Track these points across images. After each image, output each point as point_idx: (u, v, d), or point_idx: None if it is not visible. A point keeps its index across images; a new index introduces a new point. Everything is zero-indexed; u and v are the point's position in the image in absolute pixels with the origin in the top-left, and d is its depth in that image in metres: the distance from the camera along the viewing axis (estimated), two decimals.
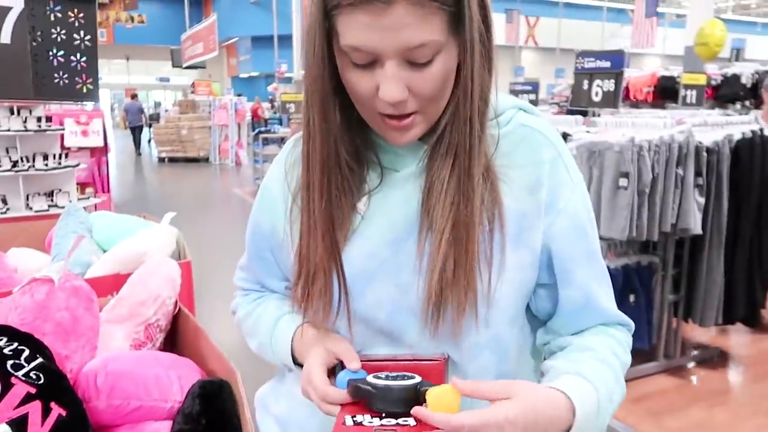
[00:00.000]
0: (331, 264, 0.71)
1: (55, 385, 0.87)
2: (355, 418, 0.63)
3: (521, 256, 0.71)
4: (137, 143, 15.50)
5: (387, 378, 0.65)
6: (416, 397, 0.63)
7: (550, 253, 0.73)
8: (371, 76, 0.63)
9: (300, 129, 0.74)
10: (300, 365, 0.78)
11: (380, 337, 0.75)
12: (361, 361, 0.71)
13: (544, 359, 0.77)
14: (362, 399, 0.66)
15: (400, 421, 0.62)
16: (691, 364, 3.13)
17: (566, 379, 0.66)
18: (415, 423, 0.61)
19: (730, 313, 2.95)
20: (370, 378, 0.66)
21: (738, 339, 3.39)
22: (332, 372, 0.73)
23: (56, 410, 0.83)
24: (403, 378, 0.65)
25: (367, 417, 0.63)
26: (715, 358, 3.20)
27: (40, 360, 0.89)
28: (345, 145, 0.70)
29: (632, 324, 0.79)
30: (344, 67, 0.65)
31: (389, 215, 0.72)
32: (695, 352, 3.19)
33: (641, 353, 2.91)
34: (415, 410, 0.59)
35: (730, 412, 2.71)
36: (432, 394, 0.61)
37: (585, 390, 0.65)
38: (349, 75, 0.65)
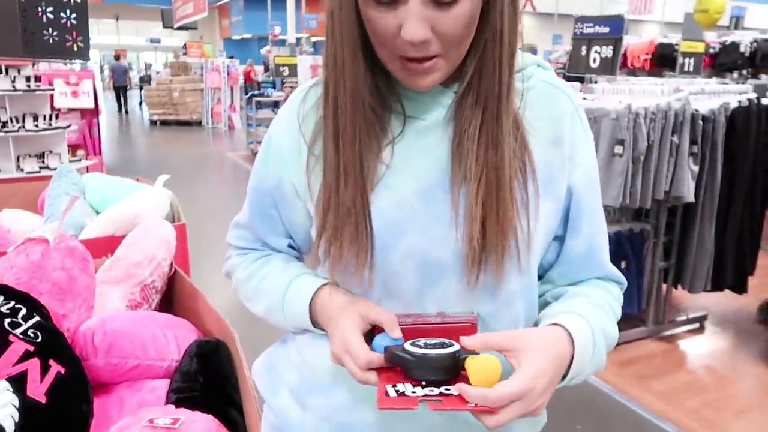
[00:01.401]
0: (361, 210, 0.69)
1: (53, 343, 0.88)
2: (396, 388, 0.62)
3: (549, 205, 0.73)
4: (121, 103, 15.80)
5: (426, 346, 0.64)
6: (456, 364, 0.63)
7: (569, 204, 0.75)
8: (394, 14, 0.61)
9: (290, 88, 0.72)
10: (318, 328, 0.76)
11: (404, 294, 0.73)
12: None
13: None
14: (399, 366, 0.65)
15: (443, 390, 0.61)
16: (678, 330, 3.19)
17: (561, 316, 0.69)
18: (458, 392, 0.60)
19: (719, 280, 3.00)
20: (408, 346, 0.65)
21: (725, 305, 3.45)
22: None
23: (55, 367, 0.83)
24: (441, 346, 0.64)
25: (408, 386, 0.62)
26: (703, 324, 3.26)
27: (37, 319, 0.89)
28: (369, 88, 0.68)
29: (625, 282, 0.81)
30: (366, 5, 0.63)
31: (416, 165, 0.71)
32: (683, 318, 3.25)
33: (630, 318, 2.96)
34: (457, 387, 0.59)
35: (715, 375, 2.78)
36: (473, 364, 0.61)
37: (578, 322, 0.68)
38: (371, 13, 0.63)
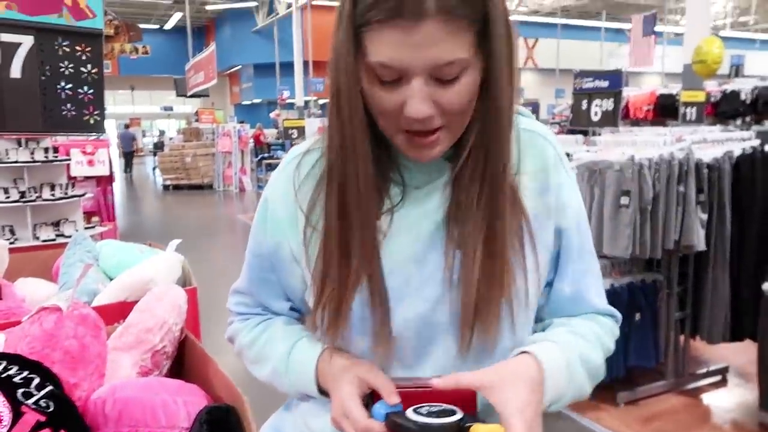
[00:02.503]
0: (365, 284, 0.69)
1: (64, 413, 0.88)
2: None
3: (541, 256, 0.73)
4: (129, 166, 18.30)
5: (429, 414, 0.63)
6: None
7: (558, 250, 0.76)
8: (397, 92, 0.63)
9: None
10: (323, 393, 0.76)
11: (404, 356, 0.73)
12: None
13: None
14: None
15: None
16: (700, 383, 3.10)
17: (530, 345, 0.69)
18: None
19: (737, 329, 2.93)
20: (410, 413, 0.64)
21: (747, 355, 3.36)
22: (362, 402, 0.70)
23: None
24: (444, 413, 0.63)
25: None
26: (725, 376, 3.17)
27: (49, 388, 0.90)
28: (372, 162, 0.69)
29: (619, 315, 0.82)
30: (370, 83, 0.64)
31: (412, 231, 0.72)
32: (704, 370, 3.16)
33: (650, 372, 2.89)
34: None
35: (741, 430, 2.68)
36: None
37: (546, 347, 0.68)
38: (374, 91, 0.64)
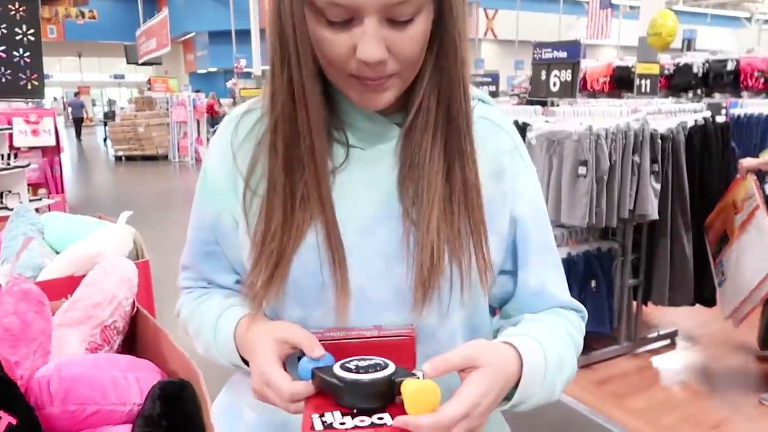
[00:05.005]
0: (332, 234, 0.66)
1: (3, 393, 0.83)
2: (323, 418, 0.56)
3: (493, 239, 0.70)
4: (78, 132, 18.85)
5: (357, 369, 0.58)
6: (391, 389, 0.57)
7: (514, 239, 0.73)
8: (348, 34, 0.59)
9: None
10: (247, 363, 0.70)
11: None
12: (323, 340, 0.64)
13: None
14: (329, 392, 0.59)
15: (375, 419, 0.55)
16: (651, 346, 3.22)
17: (516, 337, 0.66)
18: (392, 421, 0.55)
19: (687, 295, 3.04)
20: (337, 369, 0.59)
21: (694, 320, 3.50)
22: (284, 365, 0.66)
23: (5, 418, 0.79)
24: (375, 368, 0.58)
25: (338, 414, 0.56)
26: (674, 340, 3.30)
27: None
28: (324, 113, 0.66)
29: (585, 311, 0.79)
30: (317, 26, 0.60)
31: (356, 197, 0.68)
32: (655, 334, 3.28)
33: (603, 338, 2.98)
34: (398, 420, 0.54)
35: (690, 391, 2.80)
36: (408, 391, 0.55)
37: (531, 346, 0.65)
38: (322, 34, 0.60)
